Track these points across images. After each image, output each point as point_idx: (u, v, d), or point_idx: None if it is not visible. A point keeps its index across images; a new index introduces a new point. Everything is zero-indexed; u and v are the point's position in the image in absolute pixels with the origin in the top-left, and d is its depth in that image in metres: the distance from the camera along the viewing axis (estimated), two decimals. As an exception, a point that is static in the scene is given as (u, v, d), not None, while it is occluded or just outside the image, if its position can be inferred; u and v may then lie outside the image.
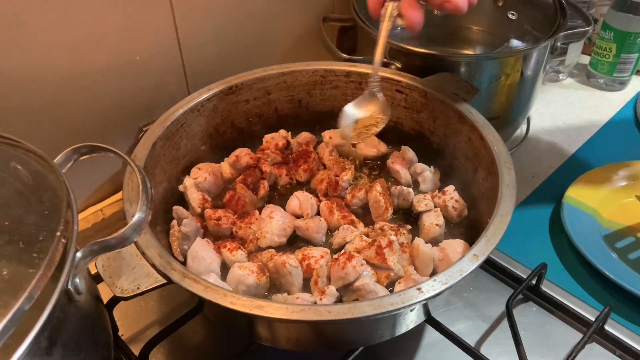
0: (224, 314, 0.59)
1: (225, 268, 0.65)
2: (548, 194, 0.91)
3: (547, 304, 0.72)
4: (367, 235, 0.70)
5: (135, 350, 0.60)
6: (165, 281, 0.53)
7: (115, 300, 0.62)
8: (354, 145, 0.81)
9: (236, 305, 0.49)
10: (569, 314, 0.70)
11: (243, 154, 0.79)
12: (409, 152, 0.79)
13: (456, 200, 0.72)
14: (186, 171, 0.77)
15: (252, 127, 0.85)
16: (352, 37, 0.94)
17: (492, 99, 0.89)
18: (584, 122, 1.09)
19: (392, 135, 0.84)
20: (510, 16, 1.01)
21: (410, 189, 0.75)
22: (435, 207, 0.72)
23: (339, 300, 0.61)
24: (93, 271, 0.56)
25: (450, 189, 0.74)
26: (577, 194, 0.86)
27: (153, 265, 0.53)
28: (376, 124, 0.72)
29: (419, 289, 0.51)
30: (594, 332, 0.66)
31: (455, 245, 0.65)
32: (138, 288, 0.52)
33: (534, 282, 0.71)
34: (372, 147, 0.83)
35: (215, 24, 0.85)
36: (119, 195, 0.83)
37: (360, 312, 0.49)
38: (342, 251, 0.65)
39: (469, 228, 0.72)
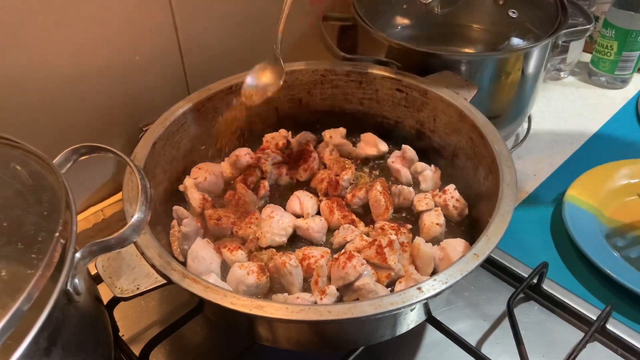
0: (224, 314, 0.59)
1: (225, 268, 0.65)
2: (549, 193, 0.90)
3: (549, 303, 0.72)
4: (368, 235, 0.70)
5: (136, 350, 0.60)
6: (165, 281, 0.53)
7: (115, 301, 0.62)
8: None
9: (236, 305, 0.49)
10: (571, 312, 0.70)
11: (243, 154, 0.79)
12: (410, 151, 0.79)
13: (457, 200, 0.72)
14: (186, 171, 0.77)
15: (252, 126, 0.85)
16: (352, 36, 0.94)
17: (493, 98, 0.89)
18: (585, 120, 1.09)
19: (392, 135, 0.84)
20: (511, 14, 1.00)
21: (411, 188, 0.75)
22: (436, 206, 0.72)
23: (340, 300, 0.61)
24: (93, 272, 0.56)
25: (450, 188, 0.74)
26: (579, 193, 0.86)
27: (153, 266, 0.53)
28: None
29: (419, 288, 0.51)
30: (596, 331, 0.65)
31: (456, 244, 0.65)
32: (138, 288, 0.52)
33: (535, 281, 0.71)
34: (372, 147, 0.83)
35: (215, 24, 0.85)
36: (119, 195, 0.83)
37: (361, 312, 0.49)
38: (343, 251, 0.65)
39: (469, 227, 0.72)
